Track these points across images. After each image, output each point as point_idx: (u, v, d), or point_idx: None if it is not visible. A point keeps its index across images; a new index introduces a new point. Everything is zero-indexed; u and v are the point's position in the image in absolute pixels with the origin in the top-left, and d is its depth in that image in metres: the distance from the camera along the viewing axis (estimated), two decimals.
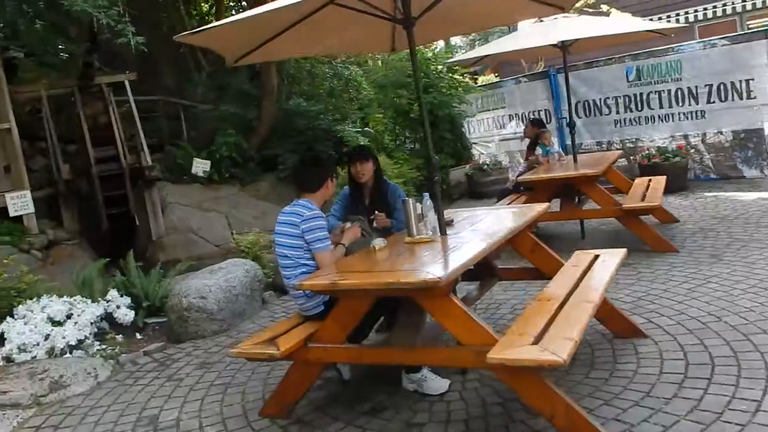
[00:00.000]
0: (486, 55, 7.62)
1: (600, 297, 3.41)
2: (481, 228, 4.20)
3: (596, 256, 4.20)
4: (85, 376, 4.88)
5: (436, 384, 3.70)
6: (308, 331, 3.58)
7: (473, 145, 13.15)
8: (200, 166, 13.14)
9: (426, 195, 4.09)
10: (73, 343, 5.31)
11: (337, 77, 16.10)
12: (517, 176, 8.24)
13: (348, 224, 4.20)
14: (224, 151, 13.09)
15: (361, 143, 14.73)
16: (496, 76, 19.03)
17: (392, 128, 12.21)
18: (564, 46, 7.81)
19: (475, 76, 15.20)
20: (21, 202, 9.89)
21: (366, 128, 16.32)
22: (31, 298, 6.07)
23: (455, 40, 22.74)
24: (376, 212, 4.56)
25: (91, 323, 5.54)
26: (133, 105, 11.70)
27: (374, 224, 4.53)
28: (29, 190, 10.07)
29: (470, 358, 3.09)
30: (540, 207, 4.76)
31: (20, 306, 5.73)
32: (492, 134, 13.58)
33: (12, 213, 9.81)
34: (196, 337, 5.62)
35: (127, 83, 11.78)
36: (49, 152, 12.19)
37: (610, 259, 4.11)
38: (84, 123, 10.70)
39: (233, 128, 13.70)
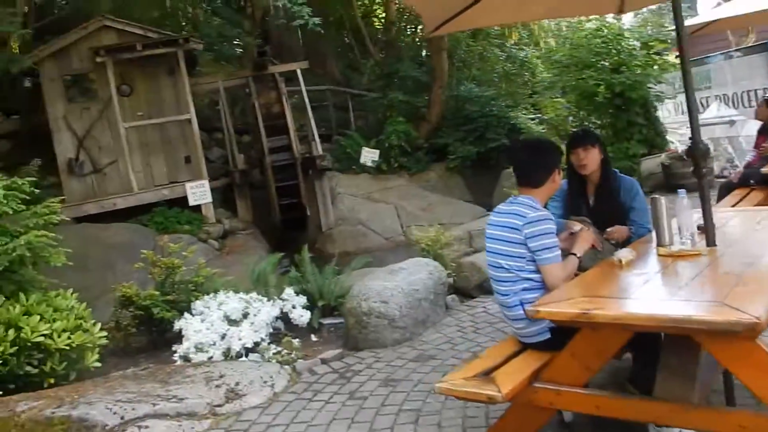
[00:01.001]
0: (712, 21, 6.32)
1: None
2: (762, 237, 3.15)
3: None
4: (262, 384, 4.44)
5: None
6: (533, 366, 2.77)
7: (668, 131, 11.58)
8: (369, 155, 12.81)
9: (681, 192, 3.11)
10: (249, 345, 4.93)
11: (510, 60, 15.14)
12: (745, 166, 6.87)
13: (577, 227, 3.27)
14: (393, 140, 12.65)
15: (537, 131, 13.69)
16: (677, 57, 16.92)
17: (576, 113, 11.01)
18: None
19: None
20: (200, 192, 10.02)
21: (540, 114, 15.21)
22: (207, 293, 5.83)
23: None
24: (607, 230, 3.56)
25: (267, 324, 5.13)
26: (305, 93, 11.53)
27: (603, 236, 3.54)
28: (207, 179, 10.20)
29: None
30: None
31: (197, 302, 5.47)
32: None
33: (192, 202, 9.98)
34: (376, 345, 5.02)
35: (299, 72, 11.63)
36: (225, 143, 12.44)
37: None
38: (258, 112, 10.64)
39: (402, 116, 13.24)
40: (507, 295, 3.01)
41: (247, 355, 4.95)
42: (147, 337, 5.84)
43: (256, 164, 11.86)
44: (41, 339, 4.64)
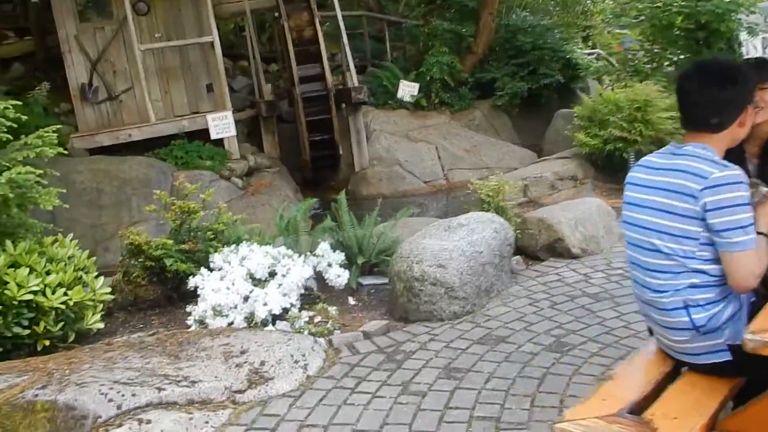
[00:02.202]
0: None
1: None
2: None
3: None
4: (292, 365, 3.60)
5: None
6: (709, 404, 1.85)
7: None
8: (407, 89, 11.67)
9: None
10: (276, 311, 4.07)
11: None
12: None
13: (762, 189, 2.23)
14: (435, 73, 11.48)
15: (595, 68, 12.42)
16: None
17: (648, 47, 9.74)
18: None
19: None
20: (223, 124, 9.07)
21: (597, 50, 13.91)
22: (228, 243, 4.98)
23: None
24: None
25: (298, 286, 4.26)
26: (340, 17, 10.37)
27: None
28: (231, 111, 9.24)
29: None
30: None
31: (216, 254, 4.62)
32: None
33: (213, 135, 9.05)
34: (430, 318, 4.15)
35: None
36: (251, 72, 11.41)
37: None
38: (289, 36, 9.54)
39: (446, 47, 12.02)
40: (663, 292, 2.04)
41: (273, 323, 4.12)
42: (160, 289, 5.03)
43: (285, 95, 10.83)
44: (30, 297, 3.84)
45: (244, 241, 4.87)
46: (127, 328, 4.65)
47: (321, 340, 3.96)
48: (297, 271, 4.30)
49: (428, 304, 4.16)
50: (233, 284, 4.27)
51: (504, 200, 5.35)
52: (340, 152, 10.11)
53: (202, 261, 4.84)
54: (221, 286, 4.28)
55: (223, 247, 4.82)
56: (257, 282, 4.35)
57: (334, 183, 10.71)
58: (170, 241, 4.79)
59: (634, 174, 2.20)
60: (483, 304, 4.30)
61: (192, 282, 4.38)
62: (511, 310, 4.21)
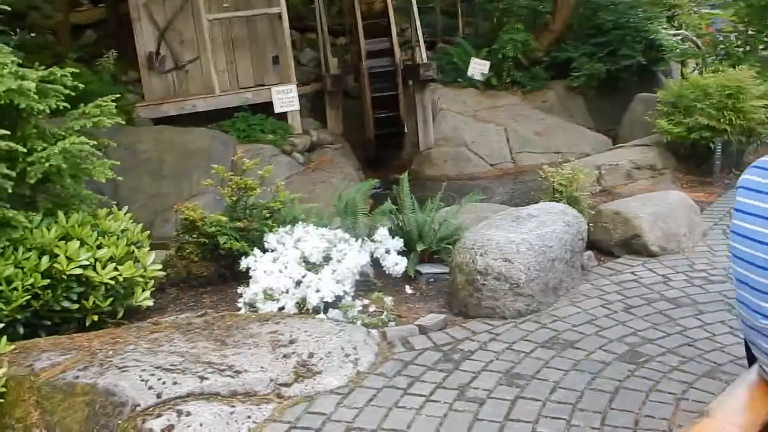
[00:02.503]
0: None
1: None
2: None
3: None
4: (342, 359, 3.39)
5: None
6: None
7: None
8: (478, 67, 11.25)
9: None
10: (329, 299, 3.86)
11: None
12: None
13: None
14: (508, 51, 11.01)
15: (681, 50, 11.65)
16: None
17: (742, 29, 9.00)
18: None
19: None
20: (287, 98, 8.93)
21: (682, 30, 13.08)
22: (284, 223, 4.80)
23: None
24: None
25: (353, 273, 4.04)
26: None
27: None
28: (296, 84, 9.07)
29: None
30: None
31: (271, 234, 4.44)
32: None
33: (277, 109, 8.92)
34: (492, 315, 3.86)
35: None
36: (318, 45, 11.21)
37: None
38: (358, 8, 9.25)
39: (521, 24, 11.50)
40: None
41: (325, 311, 3.91)
42: (213, 266, 4.91)
43: (351, 70, 10.59)
44: (80, 271, 3.75)
45: (300, 222, 4.68)
46: (177, 306, 4.55)
47: (374, 332, 3.73)
48: (353, 256, 4.07)
49: (491, 299, 3.87)
50: (286, 267, 4.08)
51: (578, 190, 4.96)
52: (405, 130, 9.82)
53: (256, 240, 4.68)
54: (274, 268, 4.09)
55: (278, 227, 4.64)
56: (311, 266, 4.14)
57: (397, 162, 10.46)
58: (225, 218, 4.65)
59: (749, 177, 1.84)
60: (550, 302, 3.98)
61: (244, 263, 4.22)
62: (581, 311, 3.87)
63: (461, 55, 11.41)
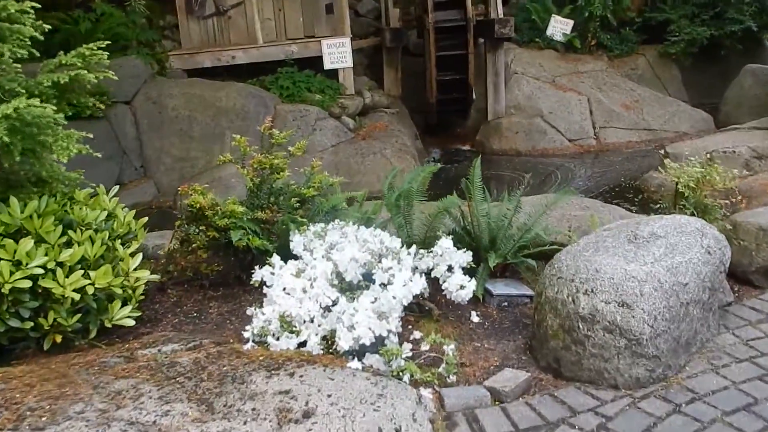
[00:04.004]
0: None
1: None
2: None
3: None
4: None
5: None
6: None
7: None
8: (559, 26, 9.80)
9: None
10: (366, 341, 2.75)
11: None
12: None
13: None
14: (596, 9, 9.51)
15: None
16: None
17: None
18: None
19: None
20: (339, 53, 7.76)
21: None
22: (318, 217, 3.72)
23: None
24: None
25: (402, 304, 2.91)
26: None
27: None
28: (350, 37, 7.88)
29: None
30: None
31: (297, 236, 3.35)
32: None
33: (327, 65, 7.77)
34: (598, 381, 2.71)
35: None
36: None
37: None
38: None
39: None
40: None
41: (361, 355, 2.81)
42: (228, 263, 3.89)
43: (415, 23, 9.28)
44: (27, 283, 2.74)
45: (337, 219, 3.58)
46: (175, 316, 3.55)
47: (427, 395, 2.64)
48: (403, 280, 2.94)
49: (597, 358, 2.70)
50: (312, 285, 2.99)
51: (711, 195, 3.69)
52: (473, 97, 8.54)
53: (281, 235, 3.62)
54: (296, 285, 3.02)
55: (308, 223, 3.55)
56: (346, 286, 3.05)
57: (461, 130, 9.23)
58: (240, 209, 3.57)
59: None
60: (680, 365, 2.79)
61: (258, 274, 3.15)
62: (729, 384, 2.68)
63: (540, 12, 9.96)
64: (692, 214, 3.62)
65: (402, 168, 6.91)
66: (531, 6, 10.17)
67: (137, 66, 7.23)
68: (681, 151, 6.57)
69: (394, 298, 2.85)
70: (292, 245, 3.33)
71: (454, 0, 8.14)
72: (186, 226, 3.73)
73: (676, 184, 3.71)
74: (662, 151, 6.79)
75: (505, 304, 3.61)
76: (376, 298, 2.88)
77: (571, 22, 9.76)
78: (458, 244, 3.56)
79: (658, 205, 4.09)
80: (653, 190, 6.36)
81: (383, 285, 2.96)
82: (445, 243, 3.23)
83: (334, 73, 7.87)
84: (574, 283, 2.82)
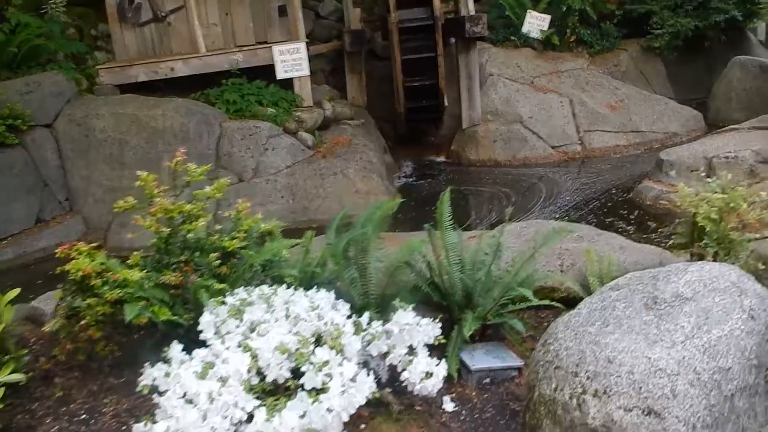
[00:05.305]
0: None
1: None
2: None
3: None
4: None
5: None
6: None
7: None
8: (536, 22, 9.05)
9: None
10: None
11: None
12: None
13: None
14: (574, 3, 8.78)
15: None
16: None
17: None
18: None
19: None
20: (293, 60, 6.93)
21: None
22: (239, 281, 2.90)
23: None
24: None
25: (343, 416, 2.11)
26: None
27: None
28: (305, 42, 7.04)
29: None
30: None
31: (206, 314, 2.53)
32: None
33: (280, 74, 6.92)
34: None
35: None
36: None
37: None
38: None
39: None
40: None
41: None
42: (133, 339, 3.06)
43: (380, 24, 8.48)
44: None
45: (267, 283, 2.77)
46: (58, 419, 2.73)
47: None
48: (342, 382, 2.14)
49: None
50: (221, 391, 2.18)
51: (738, 227, 2.92)
52: (445, 103, 7.75)
53: (199, 303, 2.79)
54: (201, 389, 2.20)
55: (229, 289, 2.73)
56: (269, 388, 2.24)
57: (435, 140, 8.44)
58: (138, 274, 2.74)
59: None
60: None
61: (146, 377, 2.33)
62: None
63: (515, 7, 9.22)
64: (715, 254, 2.86)
65: (367, 190, 6.16)
66: (505, 2, 9.41)
67: (59, 83, 6.35)
68: (677, 157, 5.85)
69: (330, 411, 2.04)
70: (201, 326, 2.52)
71: None
72: (70, 298, 2.89)
73: (694, 215, 2.93)
74: (656, 160, 6.05)
75: (487, 380, 2.82)
76: (305, 412, 2.07)
77: (548, 18, 9.02)
78: (423, 306, 2.77)
79: (672, 241, 3.32)
80: (649, 204, 5.63)
81: (316, 390, 2.14)
82: (404, 317, 2.43)
83: (289, 83, 7.05)
84: (578, 378, 2.04)
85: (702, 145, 6.12)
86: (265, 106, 6.71)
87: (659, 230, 4.76)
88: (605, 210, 5.72)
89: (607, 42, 9.27)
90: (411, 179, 7.36)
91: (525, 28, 8.99)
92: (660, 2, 9.28)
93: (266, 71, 6.94)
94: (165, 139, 6.07)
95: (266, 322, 2.41)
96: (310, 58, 7.99)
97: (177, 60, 6.83)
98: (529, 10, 9.04)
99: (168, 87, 6.86)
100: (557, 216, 5.67)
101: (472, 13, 7.42)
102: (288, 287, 2.72)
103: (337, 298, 2.71)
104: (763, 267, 2.94)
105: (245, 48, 7.10)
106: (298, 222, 5.93)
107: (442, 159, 7.95)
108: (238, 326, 2.42)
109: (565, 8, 8.90)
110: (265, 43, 7.41)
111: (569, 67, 8.73)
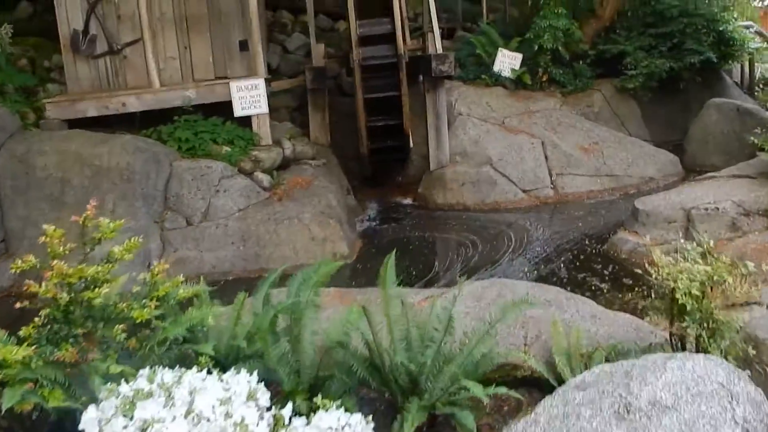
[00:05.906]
0: None
1: None
2: None
3: None
4: None
5: None
6: None
7: None
8: (507, 61, 8.83)
9: None
10: None
11: None
12: None
13: None
14: (546, 42, 8.58)
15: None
16: None
17: None
18: None
19: None
20: (251, 96, 6.58)
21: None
22: (150, 358, 2.49)
23: None
24: None
25: None
26: None
27: None
28: (264, 78, 6.70)
29: None
30: None
31: (91, 408, 2.12)
32: None
33: (238, 111, 6.56)
34: None
35: None
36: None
37: None
38: None
39: (562, 8, 9.05)
40: None
41: None
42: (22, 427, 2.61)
43: (345, 60, 8.19)
44: None
45: (167, 370, 2.35)
46: None
47: None
48: None
49: None
50: None
51: (724, 302, 2.57)
52: (411, 144, 7.43)
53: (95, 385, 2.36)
54: None
55: (134, 372, 2.32)
56: None
57: (402, 180, 8.10)
58: (22, 353, 2.32)
59: None
60: None
61: None
62: None
63: (486, 45, 9.03)
64: (698, 337, 2.50)
65: (324, 236, 5.77)
66: (476, 39, 9.22)
67: (2, 116, 5.97)
68: (653, 207, 5.55)
69: None
70: (82, 424, 2.09)
71: (384, 34, 7.06)
72: None
73: (672, 290, 2.58)
74: (631, 209, 5.75)
75: None
76: None
77: (519, 56, 8.83)
78: (367, 388, 2.38)
79: (648, 317, 2.98)
80: (624, 258, 5.30)
81: None
82: (326, 420, 2.02)
83: (248, 121, 6.69)
84: None
85: (679, 194, 5.84)
86: (220, 144, 6.34)
87: (635, 288, 4.42)
88: (578, 264, 5.38)
89: (580, 82, 9.07)
90: (374, 223, 6.99)
91: (496, 67, 8.77)
92: (633, 43, 9.13)
93: (225, 107, 6.59)
94: (110, 178, 5.66)
95: (161, 421, 2.00)
96: (274, 94, 7.69)
97: (130, 95, 6.45)
98: (500, 49, 8.84)
99: (121, 122, 6.47)
100: (526, 269, 5.31)
101: (440, 51, 7.14)
102: (200, 371, 2.31)
103: (266, 378, 2.33)
104: (754, 352, 2.59)
105: (202, 83, 6.74)
106: (250, 270, 5.52)
107: (409, 201, 7.60)
108: (125, 427, 2.00)
109: (537, 47, 8.70)
110: (225, 78, 7.07)
111: (541, 107, 8.50)
